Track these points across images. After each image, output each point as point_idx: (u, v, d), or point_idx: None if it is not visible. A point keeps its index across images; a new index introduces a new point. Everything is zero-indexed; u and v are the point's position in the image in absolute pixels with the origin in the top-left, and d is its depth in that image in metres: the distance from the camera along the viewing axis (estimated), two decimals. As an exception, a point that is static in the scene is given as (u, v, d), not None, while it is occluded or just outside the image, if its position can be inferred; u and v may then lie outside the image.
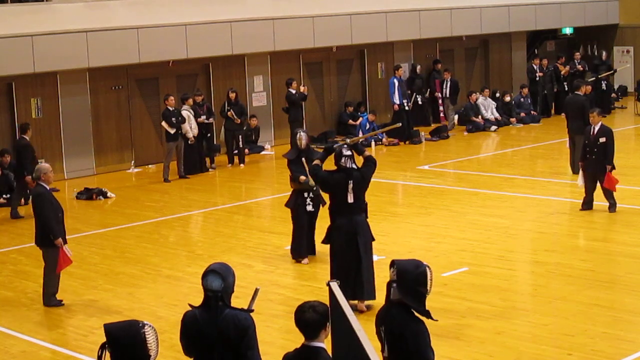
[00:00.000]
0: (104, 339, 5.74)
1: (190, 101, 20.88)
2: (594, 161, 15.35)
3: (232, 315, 6.38)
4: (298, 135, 13.35)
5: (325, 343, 5.97)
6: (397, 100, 24.42)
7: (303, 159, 13.13)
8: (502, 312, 10.84)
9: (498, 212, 15.87)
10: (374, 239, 11.28)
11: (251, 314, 6.49)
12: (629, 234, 14.10)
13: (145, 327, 5.67)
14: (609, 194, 15.44)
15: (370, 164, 11.07)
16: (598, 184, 15.43)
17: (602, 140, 15.36)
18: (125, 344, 5.64)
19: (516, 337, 10.03)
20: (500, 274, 12.37)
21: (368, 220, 11.28)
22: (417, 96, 26.30)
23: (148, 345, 5.65)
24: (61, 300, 11.90)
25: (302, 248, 13.24)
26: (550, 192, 16.98)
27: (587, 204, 15.60)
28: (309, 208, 13.19)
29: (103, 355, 5.72)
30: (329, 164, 11.26)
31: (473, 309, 10.94)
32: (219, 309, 6.39)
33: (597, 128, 15.46)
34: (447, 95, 26.51)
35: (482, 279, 12.11)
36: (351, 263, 10.97)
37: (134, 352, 5.64)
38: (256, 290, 6.75)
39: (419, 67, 26.71)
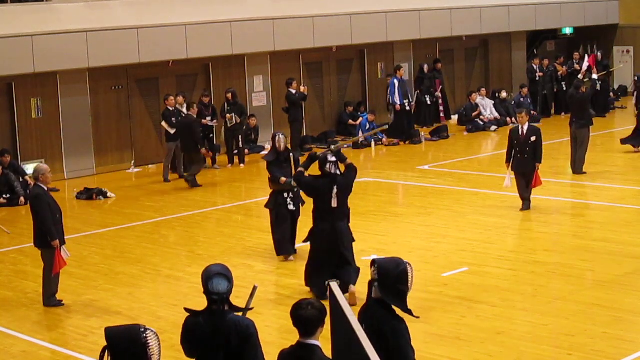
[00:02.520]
0: (103, 339, 5.71)
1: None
2: (525, 160, 15.54)
3: (234, 321, 6.30)
4: (277, 138, 13.62)
5: (321, 341, 5.97)
6: (397, 100, 24.37)
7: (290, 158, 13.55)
8: (502, 312, 10.83)
9: (498, 212, 15.86)
10: (354, 240, 11.72)
11: (250, 314, 6.48)
12: (629, 234, 14.09)
13: (147, 332, 5.50)
14: (528, 192, 15.66)
15: (351, 171, 11.59)
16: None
17: (533, 139, 15.56)
18: (125, 349, 5.50)
19: (516, 337, 10.02)
20: (500, 274, 12.37)
21: (356, 222, 11.74)
22: (426, 95, 26.31)
23: (150, 350, 5.47)
24: (61, 300, 11.89)
25: (286, 245, 13.47)
26: (550, 192, 16.96)
27: (525, 204, 15.74)
28: (291, 207, 13.40)
29: (104, 358, 5.66)
30: (314, 170, 11.62)
31: (473, 309, 10.93)
32: (224, 313, 6.29)
33: (525, 128, 15.66)
34: None
35: (482, 279, 12.11)
36: (329, 263, 11.42)
37: (134, 357, 5.54)
38: (254, 288, 6.72)
39: (426, 66, 26.71)
